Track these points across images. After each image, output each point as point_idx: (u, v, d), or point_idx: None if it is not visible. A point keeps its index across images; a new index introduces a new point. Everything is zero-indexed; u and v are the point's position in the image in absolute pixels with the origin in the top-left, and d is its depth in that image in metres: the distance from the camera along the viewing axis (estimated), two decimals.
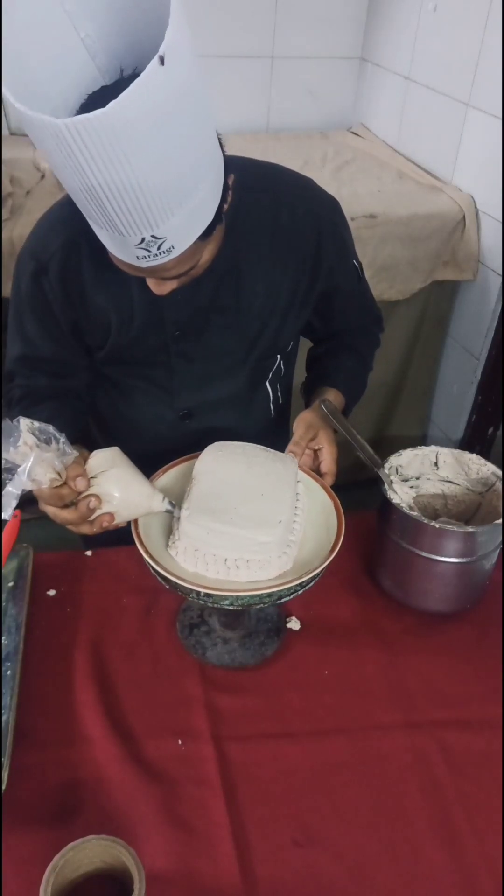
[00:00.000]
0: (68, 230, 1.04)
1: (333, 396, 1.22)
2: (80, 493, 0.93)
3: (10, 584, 1.12)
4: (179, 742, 0.96)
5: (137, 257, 0.87)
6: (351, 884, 0.84)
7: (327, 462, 1.10)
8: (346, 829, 0.89)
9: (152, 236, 0.83)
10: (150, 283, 0.97)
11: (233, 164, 0.93)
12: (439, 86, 2.25)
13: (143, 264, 0.88)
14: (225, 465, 1.02)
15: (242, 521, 0.95)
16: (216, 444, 1.07)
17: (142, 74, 0.69)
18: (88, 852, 0.78)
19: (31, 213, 1.94)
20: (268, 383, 1.25)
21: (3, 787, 0.87)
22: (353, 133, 2.68)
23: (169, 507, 0.97)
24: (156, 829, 0.87)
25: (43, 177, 2.14)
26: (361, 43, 2.64)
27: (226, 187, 0.91)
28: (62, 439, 0.90)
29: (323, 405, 1.17)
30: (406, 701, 1.03)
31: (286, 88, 2.65)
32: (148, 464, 1.04)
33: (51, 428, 0.90)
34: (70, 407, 1.19)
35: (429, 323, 2.38)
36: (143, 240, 0.84)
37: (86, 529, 0.95)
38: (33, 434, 0.89)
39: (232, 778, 0.93)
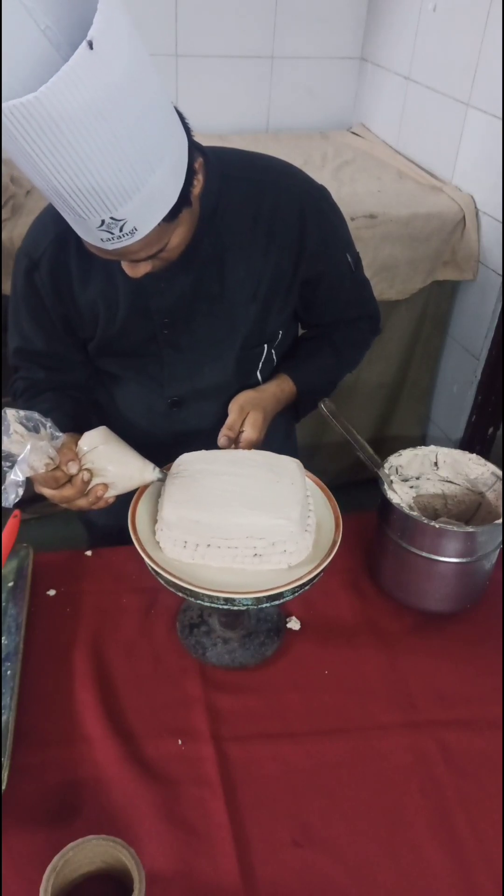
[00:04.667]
0: (58, 227, 1.05)
1: (282, 382, 1.22)
2: (72, 475, 0.97)
3: (10, 584, 1.12)
4: (179, 742, 0.96)
5: (101, 239, 0.88)
6: (351, 884, 0.84)
7: (247, 432, 1.11)
8: (345, 829, 0.89)
9: (112, 218, 0.84)
10: (124, 265, 0.99)
11: (213, 153, 0.92)
12: (439, 86, 2.25)
13: (109, 246, 0.90)
14: (218, 475, 0.99)
15: (289, 478, 0.98)
16: (177, 470, 1.02)
17: (70, 59, 0.70)
18: (88, 852, 0.79)
19: (31, 212, 1.94)
20: (259, 373, 1.24)
21: (3, 787, 0.87)
22: (353, 133, 2.68)
23: (160, 476, 1.02)
24: (156, 829, 0.87)
25: None
26: (361, 43, 2.64)
27: (192, 171, 0.92)
28: (49, 424, 0.95)
29: (322, 405, 1.16)
30: (406, 701, 1.03)
31: (286, 88, 2.64)
32: (144, 453, 1.04)
33: (36, 415, 0.94)
34: (70, 399, 1.21)
35: (429, 323, 2.38)
36: (103, 222, 0.85)
37: (82, 503, 1.00)
38: (21, 423, 0.92)
39: (232, 778, 0.93)
